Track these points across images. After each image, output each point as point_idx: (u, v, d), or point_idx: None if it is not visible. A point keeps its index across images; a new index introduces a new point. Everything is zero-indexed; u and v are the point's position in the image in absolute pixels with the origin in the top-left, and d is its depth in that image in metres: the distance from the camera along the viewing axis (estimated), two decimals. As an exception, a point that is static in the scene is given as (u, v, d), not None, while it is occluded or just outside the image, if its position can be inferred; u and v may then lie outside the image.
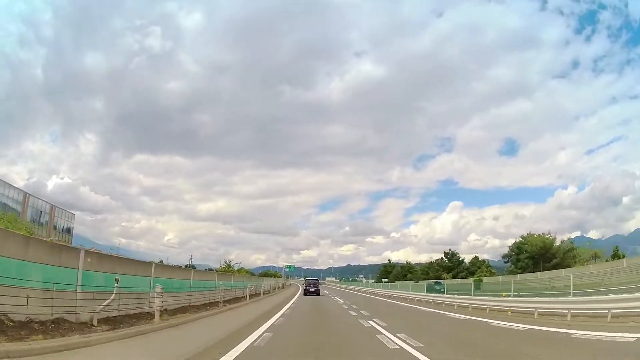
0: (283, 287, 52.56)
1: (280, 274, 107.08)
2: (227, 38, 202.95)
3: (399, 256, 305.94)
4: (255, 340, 8.09)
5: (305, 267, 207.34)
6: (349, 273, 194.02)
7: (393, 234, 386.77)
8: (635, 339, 7.96)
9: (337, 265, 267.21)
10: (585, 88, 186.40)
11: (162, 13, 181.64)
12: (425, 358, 6.40)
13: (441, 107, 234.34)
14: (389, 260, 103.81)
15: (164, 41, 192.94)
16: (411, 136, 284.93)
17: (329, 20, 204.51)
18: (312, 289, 34.67)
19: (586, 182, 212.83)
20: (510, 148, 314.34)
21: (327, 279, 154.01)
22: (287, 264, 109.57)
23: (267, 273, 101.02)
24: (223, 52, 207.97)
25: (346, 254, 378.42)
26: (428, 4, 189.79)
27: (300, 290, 40.71)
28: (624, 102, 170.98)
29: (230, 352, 6.64)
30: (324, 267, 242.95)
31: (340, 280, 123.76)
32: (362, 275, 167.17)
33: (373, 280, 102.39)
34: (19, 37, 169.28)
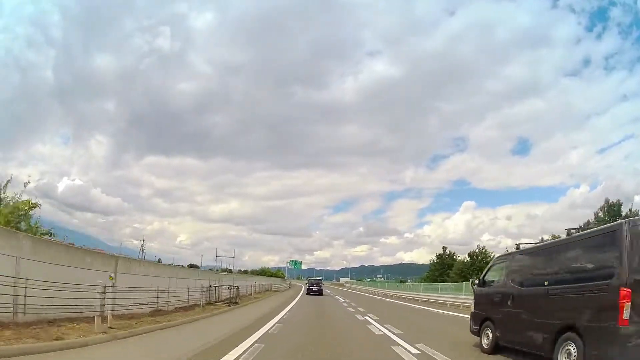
0: (230, 306, 17.14)
1: (282, 273, 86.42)
2: (239, 38, 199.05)
3: (412, 257, 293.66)
4: None
5: (318, 268, 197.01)
6: (363, 274, 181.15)
7: (407, 235, 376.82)
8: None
9: (350, 266, 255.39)
10: (597, 86, 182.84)
11: (173, 13, 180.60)
12: None
13: (454, 106, 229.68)
14: (443, 248, 65.83)
15: (175, 42, 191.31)
16: (425, 136, 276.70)
17: (342, 20, 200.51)
18: (314, 289, 34.98)
19: (598, 181, 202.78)
20: (522, 147, 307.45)
21: (342, 279, 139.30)
22: (292, 259, 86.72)
23: (264, 271, 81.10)
24: (235, 52, 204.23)
25: (360, 254, 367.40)
26: (440, 3, 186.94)
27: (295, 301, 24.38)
28: (634, 99, 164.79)
29: None
30: (337, 268, 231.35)
31: (359, 281, 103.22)
32: (380, 276, 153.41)
33: (398, 282, 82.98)
34: (27, 39, 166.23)
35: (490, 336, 7.29)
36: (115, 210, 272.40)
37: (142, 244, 64.00)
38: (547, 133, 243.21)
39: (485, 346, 7.40)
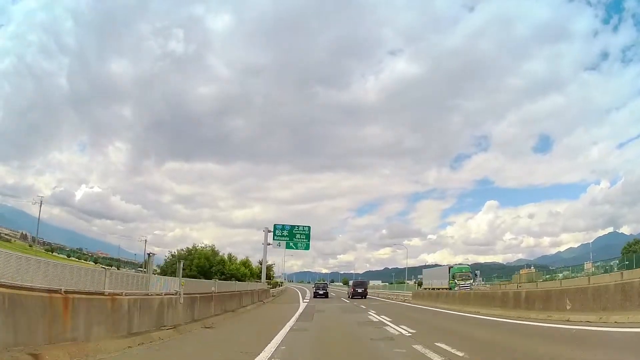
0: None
1: (257, 270, 45.58)
2: (258, 40, 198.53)
3: (435, 258, 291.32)
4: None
5: (342, 272, 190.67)
6: (386, 276, 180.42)
7: (430, 236, 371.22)
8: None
9: (374, 269, 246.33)
10: (615, 80, 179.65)
11: (188, 16, 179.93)
12: None
13: (476, 104, 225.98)
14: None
15: (192, 45, 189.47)
16: (447, 135, 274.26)
17: (362, 18, 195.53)
18: (321, 292, 37.09)
19: (618, 177, 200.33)
20: (544, 144, 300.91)
21: (371, 282, 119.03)
22: (277, 224, 36.06)
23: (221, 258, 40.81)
24: (255, 54, 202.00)
25: (383, 257, 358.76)
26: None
27: None
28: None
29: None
30: (360, 271, 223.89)
31: (393, 285, 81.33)
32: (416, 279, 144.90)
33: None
34: (40, 47, 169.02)
35: (349, 294, 37.85)
36: (135, 217, 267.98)
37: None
38: (567, 129, 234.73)
39: (347, 297, 37.76)
